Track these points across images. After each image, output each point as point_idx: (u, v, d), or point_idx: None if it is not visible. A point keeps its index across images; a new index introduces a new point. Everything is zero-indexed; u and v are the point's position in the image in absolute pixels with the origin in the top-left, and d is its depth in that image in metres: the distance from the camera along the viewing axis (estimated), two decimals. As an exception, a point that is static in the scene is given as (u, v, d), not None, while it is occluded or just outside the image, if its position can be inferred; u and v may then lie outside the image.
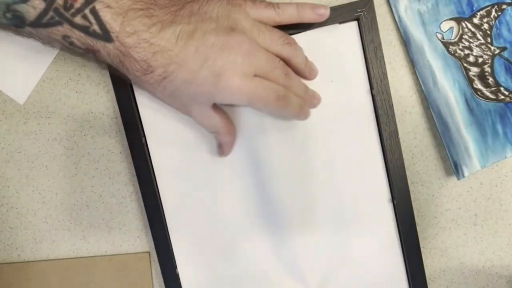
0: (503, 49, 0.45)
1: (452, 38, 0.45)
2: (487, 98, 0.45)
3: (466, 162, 0.45)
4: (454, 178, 0.48)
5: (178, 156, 0.47)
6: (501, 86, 0.45)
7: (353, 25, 0.45)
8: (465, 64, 0.45)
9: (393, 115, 0.45)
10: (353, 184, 0.47)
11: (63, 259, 0.50)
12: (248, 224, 0.48)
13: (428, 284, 0.49)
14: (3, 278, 0.50)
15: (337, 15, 0.45)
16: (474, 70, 0.45)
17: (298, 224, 0.48)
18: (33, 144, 0.49)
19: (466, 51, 0.45)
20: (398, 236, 0.47)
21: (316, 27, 0.45)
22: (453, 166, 0.46)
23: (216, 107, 0.42)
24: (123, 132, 0.48)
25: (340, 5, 0.45)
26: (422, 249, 0.48)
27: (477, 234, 0.49)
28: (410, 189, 0.47)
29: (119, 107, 0.46)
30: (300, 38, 0.45)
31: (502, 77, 0.45)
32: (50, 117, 0.48)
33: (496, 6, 0.45)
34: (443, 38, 0.45)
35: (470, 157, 0.45)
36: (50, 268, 0.50)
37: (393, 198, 0.47)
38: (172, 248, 0.48)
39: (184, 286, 0.48)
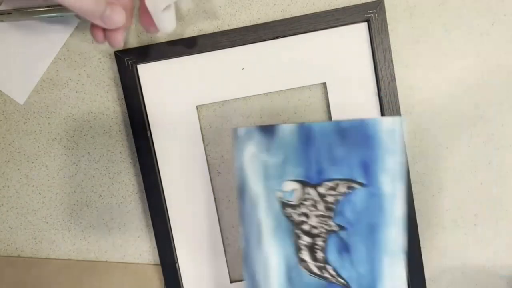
0: (342, 228, 0.40)
1: (291, 200, 0.40)
2: (311, 271, 0.41)
3: None
4: (454, 178, 0.48)
5: (182, 150, 0.47)
6: (329, 264, 0.41)
7: (363, 26, 0.45)
8: (297, 231, 0.41)
9: None
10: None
11: (73, 260, 0.50)
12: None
13: (428, 284, 0.49)
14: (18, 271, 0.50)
15: (347, 16, 0.44)
16: (305, 239, 0.40)
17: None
18: (33, 144, 0.49)
19: (303, 218, 0.40)
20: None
21: (326, 28, 0.45)
22: None
23: None
24: (123, 132, 0.48)
25: (350, 6, 0.44)
26: (422, 249, 0.48)
27: (477, 234, 0.49)
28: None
29: (126, 101, 0.46)
30: (309, 38, 0.45)
31: (332, 256, 0.40)
32: (50, 117, 0.48)
33: (346, 182, 0.40)
34: (281, 197, 0.41)
35: None
36: (58, 268, 0.50)
37: None
38: (174, 245, 0.48)
39: (184, 284, 0.48)
